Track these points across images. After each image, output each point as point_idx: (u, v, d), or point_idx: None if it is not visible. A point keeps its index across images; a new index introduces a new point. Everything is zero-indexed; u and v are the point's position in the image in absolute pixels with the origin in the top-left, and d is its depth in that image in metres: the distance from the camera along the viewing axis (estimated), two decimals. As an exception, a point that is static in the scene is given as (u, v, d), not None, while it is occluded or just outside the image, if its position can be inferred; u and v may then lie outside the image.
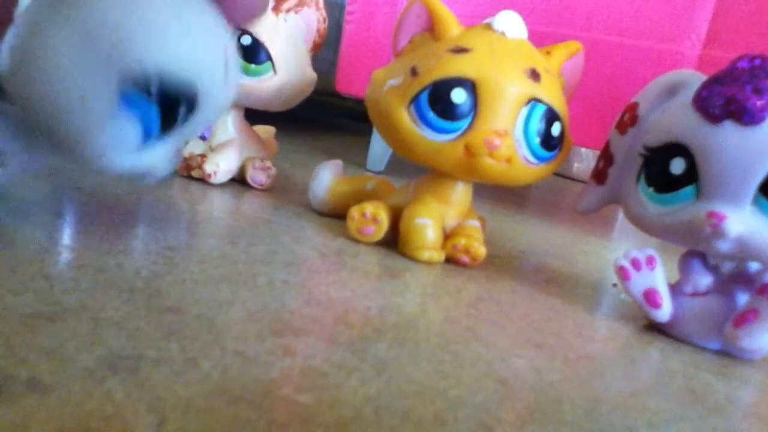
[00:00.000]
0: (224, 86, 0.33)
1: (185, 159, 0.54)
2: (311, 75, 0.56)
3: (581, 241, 0.64)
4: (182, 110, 0.31)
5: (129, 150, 0.31)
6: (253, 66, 0.52)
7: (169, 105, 0.30)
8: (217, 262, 0.35)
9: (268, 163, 0.56)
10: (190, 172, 0.54)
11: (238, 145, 0.55)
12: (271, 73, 0.52)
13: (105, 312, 0.25)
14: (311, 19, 0.55)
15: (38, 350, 0.21)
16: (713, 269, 0.36)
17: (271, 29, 0.52)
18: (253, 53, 0.51)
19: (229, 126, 0.55)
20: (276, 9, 0.53)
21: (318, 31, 0.56)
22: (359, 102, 0.86)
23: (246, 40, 0.51)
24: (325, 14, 0.56)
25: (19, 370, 0.20)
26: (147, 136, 0.31)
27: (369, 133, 0.88)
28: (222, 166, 0.53)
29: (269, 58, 0.52)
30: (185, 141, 0.40)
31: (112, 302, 0.27)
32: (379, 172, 0.86)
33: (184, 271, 0.32)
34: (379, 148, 0.86)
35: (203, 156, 0.54)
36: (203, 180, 0.53)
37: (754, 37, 0.59)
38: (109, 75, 0.28)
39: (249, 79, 0.52)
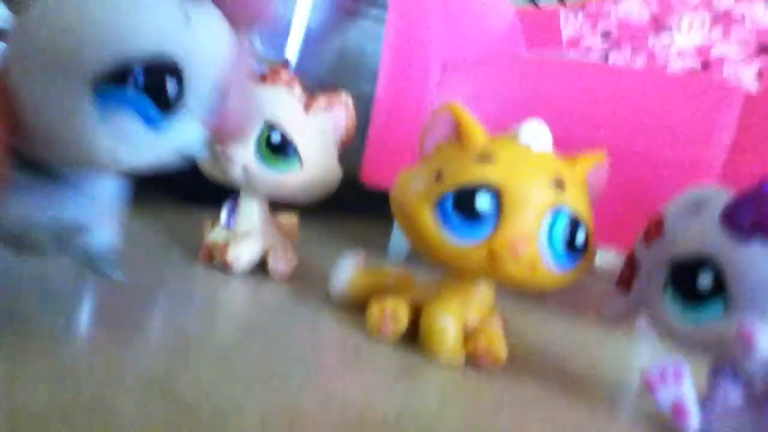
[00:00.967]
0: (194, 35, 0.30)
1: (208, 246, 0.55)
2: (336, 171, 0.57)
3: (604, 339, 0.63)
4: (170, 84, 0.28)
5: (137, 141, 0.29)
6: (281, 161, 0.53)
7: (154, 84, 0.28)
8: (234, 357, 0.34)
9: (290, 254, 0.56)
10: (211, 259, 0.54)
11: (261, 235, 0.56)
12: (298, 168, 0.54)
13: (119, 408, 0.25)
14: (340, 119, 0.57)
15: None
16: (744, 383, 0.35)
17: (300, 126, 0.54)
18: (282, 149, 0.53)
19: (254, 216, 0.56)
20: (306, 108, 0.55)
21: (346, 129, 0.58)
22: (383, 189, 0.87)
23: (275, 136, 0.53)
24: (353, 113, 0.58)
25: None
26: (149, 120, 0.28)
27: (392, 220, 0.88)
28: (244, 255, 0.54)
29: (297, 153, 0.53)
30: (209, 109, 0.36)
31: (126, 398, 0.26)
32: (400, 261, 0.86)
33: (200, 366, 0.32)
34: (401, 237, 0.87)
35: (226, 244, 0.54)
36: (224, 268, 0.53)
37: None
38: (76, 82, 0.27)
39: (276, 173, 0.53)
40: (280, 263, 0.55)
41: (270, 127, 0.53)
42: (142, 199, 0.74)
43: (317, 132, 0.55)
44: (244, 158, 0.52)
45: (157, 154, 0.30)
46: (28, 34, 0.27)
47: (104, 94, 0.27)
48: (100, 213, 0.33)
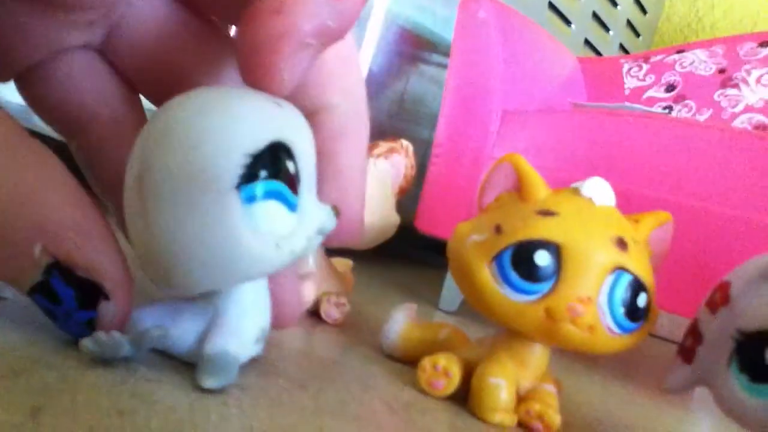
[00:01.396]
0: (287, 115, 0.30)
1: None
2: (395, 219, 0.58)
3: (663, 412, 0.60)
4: (290, 163, 0.28)
5: (287, 228, 0.29)
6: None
7: (280, 168, 0.28)
8: (287, 409, 0.34)
9: (344, 299, 0.56)
10: None
11: (316, 279, 0.56)
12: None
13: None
14: (400, 166, 0.57)
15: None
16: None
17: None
18: None
19: (310, 259, 0.56)
20: (367, 154, 0.55)
21: (405, 177, 0.58)
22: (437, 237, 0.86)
23: None
24: (413, 161, 0.58)
25: None
26: (289, 204, 0.28)
27: (444, 269, 0.88)
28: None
29: None
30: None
31: (179, 449, 0.26)
32: (451, 312, 0.85)
33: (253, 417, 0.32)
34: (453, 288, 0.86)
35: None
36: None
37: None
38: (216, 194, 0.26)
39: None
40: (333, 310, 0.56)
41: None
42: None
43: (377, 179, 0.55)
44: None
45: (306, 237, 0.30)
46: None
47: (245, 193, 0.27)
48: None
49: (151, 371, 0.34)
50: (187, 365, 0.37)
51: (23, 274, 0.28)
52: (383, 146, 0.56)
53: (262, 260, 0.28)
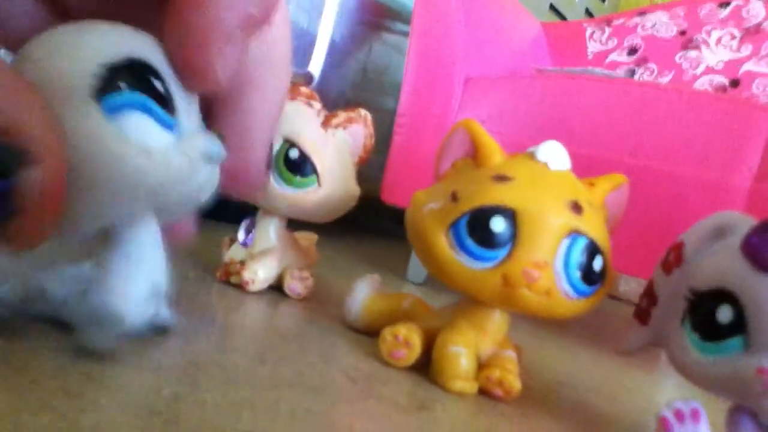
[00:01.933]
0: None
1: (225, 265, 0.54)
2: (355, 189, 0.57)
3: (624, 374, 0.61)
4: (155, 80, 0.27)
5: (158, 143, 0.28)
6: (298, 178, 0.52)
7: (144, 83, 0.27)
8: (242, 383, 0.34)
9: (307, 273, 0.56)
10: (228, 278, 0.54)
11: (279, 254, 0.55)
12: (316, 185, 0.53)
13: (119, 439, 0.25)
14: (359, 135, 0.56)
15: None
16: (766, 429, 0.34)
17: (318, 143, 0.53)
18: (300, 166, 0.52)
19: (271, 234, 0.56)
20: (325, 124, 0.55)
21: (365, 146, 0.57)
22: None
23: (293, 152, 0.52)
24: (372, 130, 0.57)
25: None
26: (159, 118, 0.27)
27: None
28: (260, 274, 0.53)
29: (315, 171, 0.53)
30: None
31: (128, 426, 0.26)
32: (419, 284, 0.86)
33: (207, 392, 0.31)
34: (420, 258, 0.86)
35: (243, 263, 0.54)
36: (241, 287, 0.53)
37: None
38: (77, 102, 0.26)
39: (294, 190, 0.53)
40: (297, 284, 0.55)
41: (288, 143, 0.52)
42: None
43: (336, 149, 0.55)
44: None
45: (184, 154, 0.29)
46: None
47: (106, 103, 0.26)
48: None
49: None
50: (143, 345, 0.36)
51: None
52: (341, 116, 0.55)
53: (135, 170, 0.27)
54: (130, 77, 0.27)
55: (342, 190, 0.55)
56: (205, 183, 0.30)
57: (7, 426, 0.24)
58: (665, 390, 0.62)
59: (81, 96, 0.26)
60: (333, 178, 0.54)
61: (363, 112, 0.57)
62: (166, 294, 0.34)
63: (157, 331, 0.36)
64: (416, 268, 0.86)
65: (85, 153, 0.26)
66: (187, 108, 0.30)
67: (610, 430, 0.42)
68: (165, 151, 0.28)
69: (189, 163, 0.28)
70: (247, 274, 0.53)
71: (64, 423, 0.25)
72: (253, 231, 0.56)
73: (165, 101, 0.28)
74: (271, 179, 0.52)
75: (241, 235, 0.55)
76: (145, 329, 0.34)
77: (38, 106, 0.23)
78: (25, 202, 0.22)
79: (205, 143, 0.29)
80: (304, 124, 0.53)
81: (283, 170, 0.52)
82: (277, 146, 0.52)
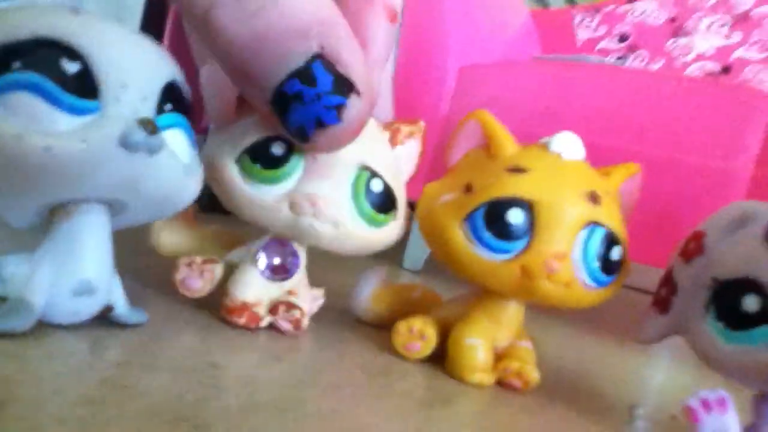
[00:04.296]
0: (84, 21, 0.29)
1: (245, 305, 0.41)
2: (405, 213, 0.43)
3: (639, 363, 0.61)
4: (66, 60, 0.27)
5: (47, 120, 0.27)
6: (382, 216, 0.39)
7: (43, 61, 0.27)
8: (263, 384, 0.33)
9: (320, 292, 0.46)
10: (256, 323, 0.41)
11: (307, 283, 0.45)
12: (394, 221, 0.41)
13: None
14: (414, 152, 0.44)
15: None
16: (791, 415, 0.34)
17: (392, 169, 0.41)
18: (385, 201, 0.40)
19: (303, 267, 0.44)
20: (393, 141, 0.42)
21: (415, 163, 0.45)
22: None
23: (377, 185, 0.39)
24: (422, 145, 0.45)
25: None
26: (59, 103, 0.27)
27: (407, 230, 0.87)
28: (307, 309, 0.43)
29: (394, 205, 0.40)
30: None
31: (151, 427, 0.25)
32: (416, 271, 0.85)
33: (230, 395, 0.31)
34: (416, 248, 0.86)
35: (289, 304, 0.41)
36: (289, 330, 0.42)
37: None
38: None
39: (375, 230, 0.40)
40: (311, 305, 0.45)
41: (369, 172, 0.38)
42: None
43: (395, 169, 0.42)
44: (337, 212, 0.38)
45: (78, 145, 0.28)
46: None
47: None
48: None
49: (120, 354, 0.33)
50: (156, 345, 0.35)
51: (288, 58, 0.29)
52: (405, 130, 0.43)
53: (5, 153, 0.26)
54: (29, 56, 0.27)
55: (402, 219, 0.42)
56: (155, 177, 0.31)
57: None
58: (679, 377, 0.62)
59: None
60: (403, 207, 0.42)
61: (422, 123, 0.44)
62: (117, 290, 0.35)
63: (117, 324, 0.36)
64: (413, 255, 0.86)
65: None
66: (134, 93, 0.29)
67: (625, 415, 0.42)
68: (48, 134, 0.27)
69: (85, 147, 0.27)
70: (305, 321, 0.42)
71: (94, 432, 0.24)
72: (297, 258, 0.42)
73: (78, 83, 0.27)
74: (347, 217, 0.38)
75: (263, 264, 0.41)
76: (87, 323, 0.34)
77: (363, 60, 0.32)
78: (347, 118, 0.31)
79: (125, 130, 0.28)
80: (377, 145, 0.40)
81: (366, 207, 0.38)
82: (353, 174, 0.38)
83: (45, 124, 0.27)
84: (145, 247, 0.43)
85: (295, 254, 0.41)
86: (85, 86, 0.28)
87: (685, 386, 0.58)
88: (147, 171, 0.30)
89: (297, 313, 0.41)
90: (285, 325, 0.41)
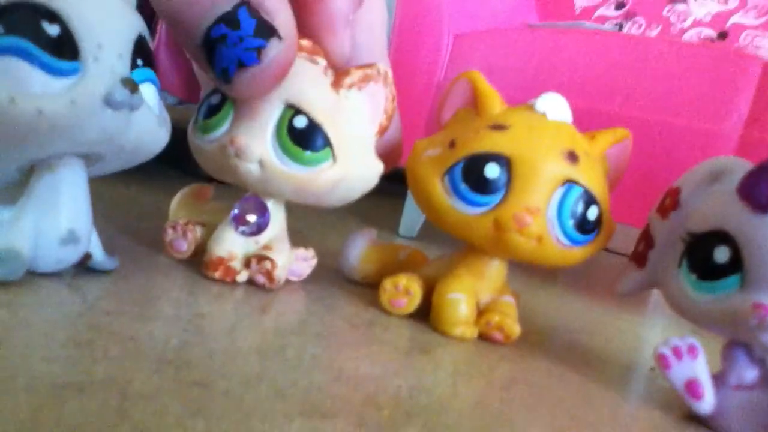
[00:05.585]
0: None
1: (220, 259, 0.43)
2: (376, 165, 0.43)
3: (616, 317, 0.63)
4: (47, 23, 0.28)
5: (39, 86, 0.28)
6: (308, 153, 0.39)
7: (22, 23, 0.28)
8: (247, 332, 0.34)
9: (311, 252, 0.48)
10: (233, 277, 0.43)
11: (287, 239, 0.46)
12: (330, 161, 0.40)
13: (133, 385, 0.25)
14: (378, 97, 0.43)
15: (65, 426, 0.21)
16: (760, 362, 0.35)
17: (330, 109, 0.40)
18: (309, 137, 0.39)
19: (279, 222, 0.45)
20: (336, 84, 0.41)
21: (385, 111, 0.43)
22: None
23: (300, 121, 0.39)
24: (394, 90, 0.44)
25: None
26: (44, 66, 0.28)
27: (403, 197, 0.88)
28: (284, 272, 0.44)
29: (328, 143, 0.39)
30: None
31: (140, 374, 0.26)
32: (410, 238, 0.86)
33: (214, 341, 0.32)
34: (412, 214, 0.87)
35: (260, 257, 0.43)
36: (263, 284, 0.43)
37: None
38: None
39: (303, 169, 0.39)
40: (302, 264, 0.47)
41: (292, 109, 0.39)
42: (151, 175, 0.74)
43: (351, 115, 0.41)
44: (259, 150, 0.39)
45: (66, 105, 0.29)
46: None
47: None
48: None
49: (110, 304, 0.34)
50: (145, 297, 0.36)
51: (216, 4, 0.32)
52: (355, 74, 0.41)
53: (6, 114, 0.28)
54: (10, 21, 0.27)
55: (361, 167, 0.42)
56: (135, 130, 0.33)
57: (23, 375, 0.24)
58: (655, 329, 0.63)
59: None
60: (350, 152, 0.41)
61: (382, 67, 0.42)
62: (95, 239, 0.37)
63: (96, 271, 0.38)
64: (408, 222, 0.87)
65: None
66: (110, 51, 0.30)
67: (606, 369, 0.43)
68: (39, 96, 0.28)
69: (73, 108, 0.29)
70: (279, 272, 0.42)
71: (78, 372, 0.25)
72: (267, 214, 0.42)
73: (59, 46, 0.28)
74: (271, 155, 0.39)
75: (241, 221, 0.42)
76: (72, 270, 0.36)
77: (290, 11, 0.34)
78: (266, 59, 0.33)
79: (108, 88, 0.30)
80: (309, 84, 0.39)
81: (289, 143, 0.39)
82: (277, 113, 0.39)
83: (34, 87, 0.28)
84: (147, 212, 0.44)
85: (263, 207, 0.42)
86: (66, 48, 0.29)
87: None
88: (127, 126, 0.32)
89: (268, 264, 0.42)
90: (260, 279, 0.43)
